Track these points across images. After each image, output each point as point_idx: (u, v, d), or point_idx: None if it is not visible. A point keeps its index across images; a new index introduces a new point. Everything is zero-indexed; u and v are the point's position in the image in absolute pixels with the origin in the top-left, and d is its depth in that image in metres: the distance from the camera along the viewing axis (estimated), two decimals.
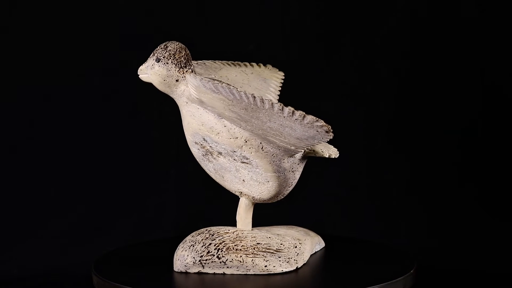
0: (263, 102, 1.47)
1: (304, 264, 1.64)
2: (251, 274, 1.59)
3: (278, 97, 1.71)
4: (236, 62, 1.72)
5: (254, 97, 1.47)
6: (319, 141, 1.53)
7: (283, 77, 1.75)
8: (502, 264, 2.26)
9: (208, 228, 1.66)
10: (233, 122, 1.55)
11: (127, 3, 2.40)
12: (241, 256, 1.59)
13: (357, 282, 1.56)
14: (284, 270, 1.59)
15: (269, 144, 1.55)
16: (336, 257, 1.70)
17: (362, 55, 2.43)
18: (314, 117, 1.47)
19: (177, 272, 1.62)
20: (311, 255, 1.69)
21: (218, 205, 2.09)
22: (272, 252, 1.60)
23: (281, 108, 1.47)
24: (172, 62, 1.56)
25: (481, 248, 2.31)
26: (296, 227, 1.73)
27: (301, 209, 2.40)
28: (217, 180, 1.64)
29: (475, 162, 2.41)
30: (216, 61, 1.72)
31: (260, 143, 1.56)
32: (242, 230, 1.65)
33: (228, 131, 1.56)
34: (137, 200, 2.42)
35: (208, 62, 1.71)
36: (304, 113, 1.47)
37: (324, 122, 1.46)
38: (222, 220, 1.76)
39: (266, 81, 1.72)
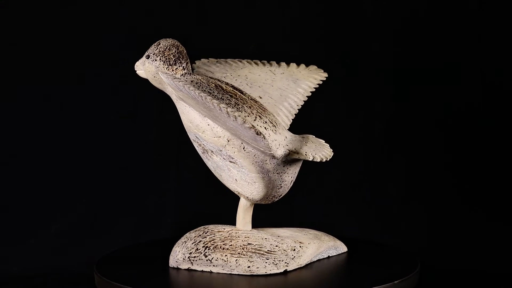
0: (207, 100, 1.47)
1: (301, 267, 1.62)
2: (236, 274, 1.58)
3: (306, 99, 1.70)
4: (270, 61, 1.72)
5: (201, 95, 1.47)
6: (264, 144, 1.51)
7: (324, 79, 1.73)
8: (502, 264, 2.26)
9: (206, 226, 1.67)
10: (212, 120, 1.54)
11: (128, 2, 2.40)
12: (226, 255, 1.59)
13: (354, 284, 1.56)
14: (268, 272, 1.58)
15: (248, 144, 1.55)
16: (336, 258, 1.69)
17: (361, 55, 2.43)
18: (242, 119, 1.47)
19: (171, 268, 1.63)
20: (319, 260, 1.67)
21: (219, 205, 2.08)
22: (262, 253, 1.59)
23: (219, 108, 1.47)
24: (160, 59, 1.58)
25: (481, 248, 2.31)
26: (308, 229, 1.71)
27: (301, 209, 2.40)
28: (219, 179, 1.65)
29: (475, 162, 2.41)
30: (243, 60, 1.72)
31: (241, 143, 1.55)
32: (237, 230, 1.65)
33: (212, 129, 1.56)
34: (138, 200, 2.41)
35: (231, 61, 1.71)
36: (235, 114, 1.46)
37: (251, 125, 1.46)
38: (223, 220, 1.76)
39: (297, 82, 1.71)
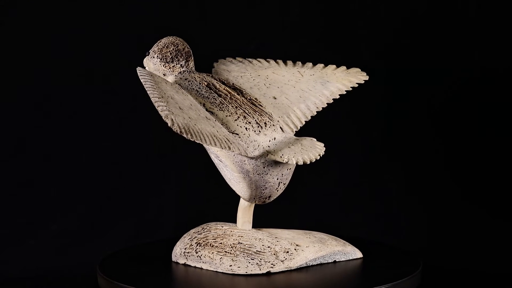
0: (151, 96, 1.45)
1: (291, 270, 1.60)
2: (220, 272, 1.59)
3: (331, 101, 1.69)
4: (306, 62, 1.71)
5: (149, 91, 1.46)
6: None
7: (362, 82, 1.71)
8: (502, 264, 2.26)
9: (208, 223, 1.67)
10: None
11: (128, 2, 2.40)
12: (212, 253, 1.60)
13: (353, 285, 1.55)
14: (249, 272, 1.57)
15: None
16: (344, 263, 1.67)
17: (361, 55, 2.43)
18: (165, 116, 1.42)
19: (173, 262, 1.65)
20: (321, 264, 1.64)
21: (221, 205, 2.08)
22: (249, 254, 1.59)
23: (155, 104, 1.44)
24: (157, 56, 1.60)
25: (481, 248, 2.31)
26: (315, 232, 1.68)
27: (301, 210, 2.40)
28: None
29: (475, 162, 2.41)
30: (271, 60, 1.71)
31: None
32: (234, 229, 1.64)
33: None
34: (138, 200, 2.41)
35: (257, 60, 1.71)
36: (164, 113, 1.42)
37: (172, 122, 1.41)
38: (224, 219, 1.76)
39: (326, 84, 1.69)
